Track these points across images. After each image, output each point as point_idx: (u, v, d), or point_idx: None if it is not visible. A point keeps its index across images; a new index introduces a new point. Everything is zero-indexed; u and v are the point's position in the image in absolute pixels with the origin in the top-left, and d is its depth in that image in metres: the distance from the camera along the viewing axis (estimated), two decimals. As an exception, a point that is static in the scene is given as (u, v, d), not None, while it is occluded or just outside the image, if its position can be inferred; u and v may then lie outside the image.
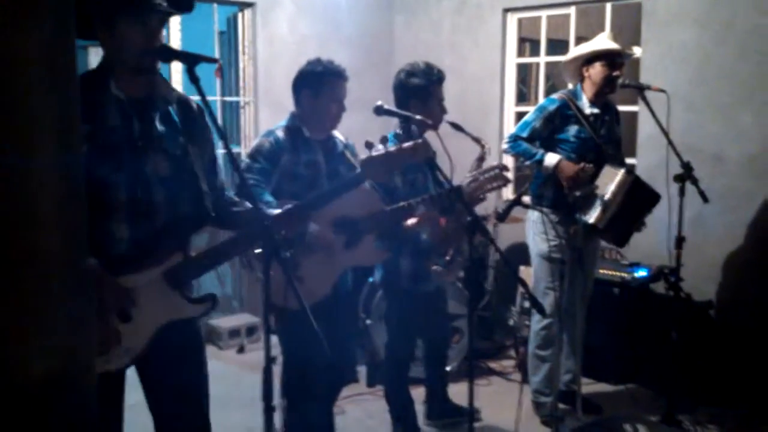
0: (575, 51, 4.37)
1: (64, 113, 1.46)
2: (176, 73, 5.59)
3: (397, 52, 6.74)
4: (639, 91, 4.18)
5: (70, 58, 1.48)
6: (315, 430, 3.53)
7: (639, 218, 4.20)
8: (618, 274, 4.93)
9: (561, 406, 4.27)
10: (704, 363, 4.53)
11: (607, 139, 4.30)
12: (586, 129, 4.21)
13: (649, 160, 5.05)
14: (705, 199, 4.07)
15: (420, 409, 4.24)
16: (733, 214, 4.81)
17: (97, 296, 2.29)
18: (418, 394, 4.27)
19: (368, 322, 4.83)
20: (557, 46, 6.16)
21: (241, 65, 6.11)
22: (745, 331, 4.63)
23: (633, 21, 5.51)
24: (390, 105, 3.51)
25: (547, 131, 4.25)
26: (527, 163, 4.34)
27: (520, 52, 6.38)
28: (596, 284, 4.59)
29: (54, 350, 1.45)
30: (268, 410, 2.31)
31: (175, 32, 5.64)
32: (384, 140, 2.84)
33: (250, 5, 5.96)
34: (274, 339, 2.83)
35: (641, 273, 4.92)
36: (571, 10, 5.73)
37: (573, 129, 4.23)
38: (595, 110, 4.26)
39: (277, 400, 2.39)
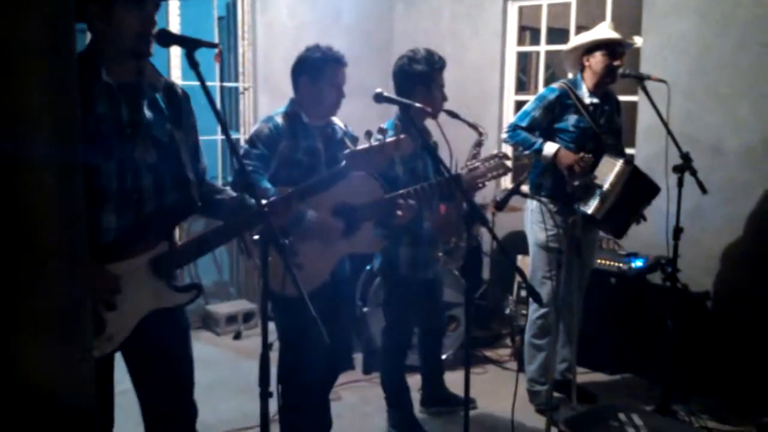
0: (576, 40, 4.36)
1: (63, 102, 1.46)
2: (175, 58, 5.58)
3: (397, 39, 6.72)
4: (639, 81, 4.17)
5: (70, 44, 1.48)
6: (311, 416, 3.53)
7: (638, 210, 4.20)
8: (615, 264, 4.93)
9: (556, 394, 4.28)
10: (700, 354, 4.54)
11: (607, 129, 4.29)
12: (585, 118, 4.21)
13: (648, 150, 5.05)
14: (703, 190, 4.06)
15: (416, 396, 4.25)
16: (732, 206, 4.81)
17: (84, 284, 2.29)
18: (414, 381, 4.29)
19: (365, 309, 4.84)
20: (558, 35, 6.14)
21: (240, 51, 6.09)
22: (741, 323, 4.63)
23: (634, 10, 5.49)
24: (389, 92, 3.50)
25: (547, 120, 4.24)
26: (526, 152, 4.33)
27: (521, 41, 6.37)
28: (593, 274, 4.59)
29: (51, 341, 1.45)
30: (265, 396, 2.32)
31: (174, 17, 5.62)
32: (382, 131, 2.84)
33: (249, -10, 5.93)
34: (271, 325, 2.83)
35: (638, 263, 4.92)
36: (572, -1, 5.71)
37: (572, 118, 4.22)
38: (595, 100, 4.25)
39: (273, 386, 2.40)
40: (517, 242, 5.13)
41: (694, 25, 4.96)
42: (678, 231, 4.10)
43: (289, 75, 3.47)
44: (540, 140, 4.19)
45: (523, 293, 5.34)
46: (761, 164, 4.73)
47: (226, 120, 6.14)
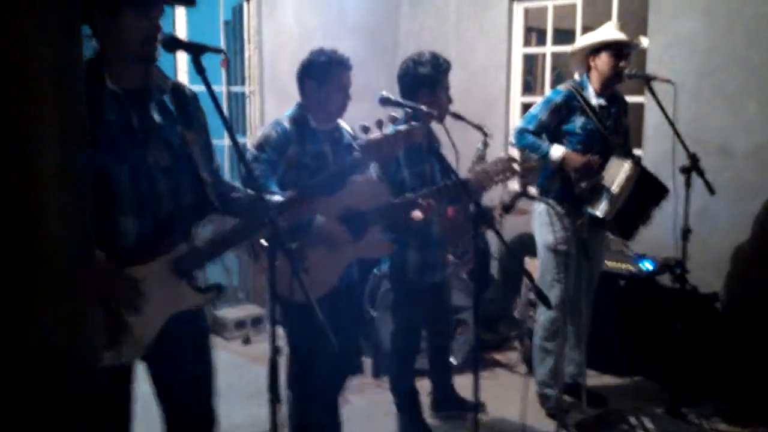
0: (582, 41, 4.34)
1: (71, 109, 1.46)
2: (182, 63, 5.58)
3: (402, 42, 6.72)
4: (645, 81, 4.16)
5: (76, 59, 1.47)
6: (320, 421, 3.53)
7: (647, 211, 4.19)
8: (624, 266, 4.91)
9: (566, 398, 4.28)
10: (710, 356, 4.52)
11: (614, 131, 4.28)
12: (592, 120, 4.19)
13: (655, 151, 5.03)
14: (711, 190, 4.05)
15: (425, 401, 4.24)
16: (740, 206, 4.79)
17: (107, 290, 2.30)
18: (423, 385, 4.27)
19: (374, 313, 4.83)
20: (564, 35, 6.12)
21: (246, 55, 6.09)
22: (751, 324, 4.61)
23: (640, 11, 5.47)
24: (395, 95, 3.50)
25: (554, 123, 4.23)
26: (534, 155, 4.32)
27: (527, 42, 6.35)
28: (602, 276, 4.58)
29: (59, 344, 1.45)
30: (274, 401, 2.31)
31: (180, 22, 5.63)
32: (380, 123, 2.83)
33: (255, -5, 5.94)
34: (280, 330, 2.83)
35: (647, 265, 4.90)
36: (578, 0, 5.69)
37: (579, 120, 4.21)
38: (602, 101, 4.24)
39: (282, 391, 2.39)
40: (525, 245, 5.11)
41: (700, 25, 4.95)
42: (686, 232, 4.09)
43: (295, 78, 3.47)
44: (546, 144, 4.18)
45: (532, 296, 5.32)
46: (769, 164, 4.71)
47: (233, 124, 6.15)
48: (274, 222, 2.22)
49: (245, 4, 6.04)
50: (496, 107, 6.16)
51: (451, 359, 4.61)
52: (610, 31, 4.20)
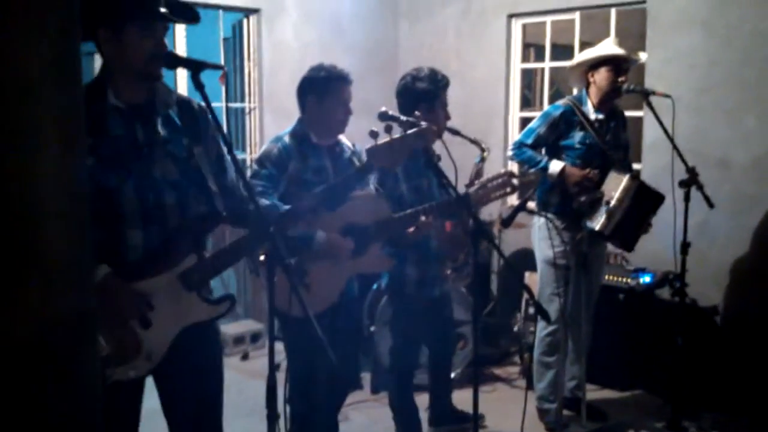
0: (580, 56, 4.36)
1: (69, 116, 1.46)
2: (181, 79, 5.61)
3: (401, 57, 6.74)
4: (644, 96, 4.17)
5: (75, 62, 1.48)
6: (319, 437, 3.52)
7: (645, 221, 4.19)
8: (623, 279, 4.91)
9: (566, 412, 4.27)
10: (710, 369, 4.51)
11: (613, 145, 4.28)
12: (591, 135, 4.20)
13: (654, 165, 5.04)
14: (710, 204, 4.05)
15: (424, 416, 4.23)
16: (739, 219, 4.79)
17: (115, 305, 2.30)
18: (422, 400, 4.26)
19: (372, 328, 4.82)
20: (562, 51, 6.15)
21: (246, 71, 6.12)
22: (751, 337, 4.60)
23: (638, 26, 5.50)
24: (394, 110, 3.51)
25: (552, 137, 4.24)
26: (532, 170, 4.33)
27: (525, 58, 6.38)
28: (601, 290, 4.57)
29: (57, 354, 1.45)
30: (272, 418, 2.31)
31: (180, 38, 5.65)
32: (388, 129, 2.84)
33: (255, 12, 5.97)
34: (279, 346, 2.82)
35: (646, 278, 4.90)
36: (576, 16, 5.73)
37: (578, 135, 4.22)
38: (600, 116, 4.25)
39: (281, 407, 2.39)
40: (524, 259, 5.12)
41: (698, 40, 4.97)
42: (686, 246, 4.09)
43: (294, 95, 3.48)
44: (545, 158, 4.20)
45: (531, 310, 5.32)
46: (768, 177, 4.72)
47: (232, 140, 6.16)
48: (273, 237, 2.23)
49: (245, 21, 6.07)
50: (495, 122, 6.18)
51: (451, 374, 4.59)
52: (609, 47, 4.21)
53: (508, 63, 6.17)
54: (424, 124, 3.19)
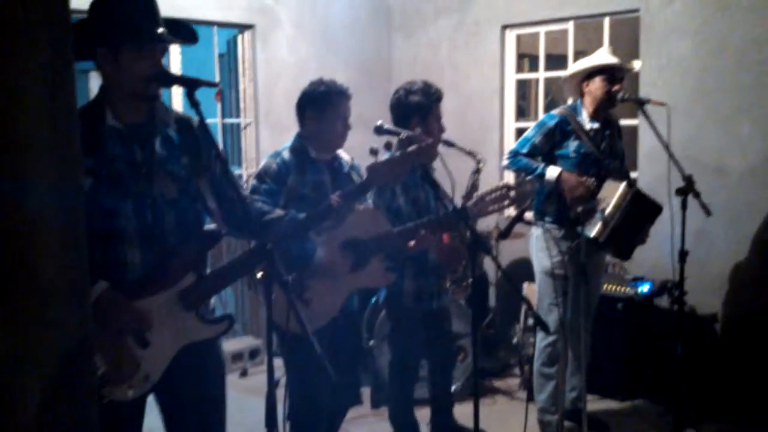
0: (575, 66, 4.36)
1: (64, 140, 1.46)
2: (177, 96, 5.61)
3: (396, 70, 6.76)
4: (639, 104, 4.17)
5: (69, 87, 1.48)
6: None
7: (641, 230, 4.18)
8: (622, 288, 4.90)
9: (567, 424, 4.24)
10: (710, 377, 4.50)
11: (609, 154, 4.29)
12: (586, 144, 4.20)
13: (650, 173, 5.04)
14: (708, 212, 4.05)
15: (425, 430, 4.20)
16: (736, 226, 4.79)
17: (113, 321, 2.29)
18: (422, 414, 4.24)
19: (371, 342, 4.80)
20: (556, 61, 6.16)
21: (241, 87, 6.12)
22: (751, 344, 4.59)
23: (631, 35, 5.51)
24: (389, 124, 3.51)
25: (547, 147, 4.24)
26: (528, 178, 4.32)
27: (519, 68, 6.39)
28: (600, 300, 4.57)
29: (52, 375, 1.44)
30: (271, 435, 2.29)
31: (175, 55, 5.65)
32: (388, 146, 2.85)
33: (249, 28, 5.98)
34: (278, 362, 2.81)
35: (645, 287, 4.89)
36: (569, 25, 5.74)
37: (573, 144, 4.22)
38: (595, 125, 4.25)
39: (280, 423, 2.37)
40: (522, 269, 5.11)
41: (692, 47, 4.98)
42: (684, 254, 4.07)
43: (290, 109, 3.48)
44: (542, 165, 4.19)
45: (531, 321, 5.30)
46: (765, 183, 4.71)
47: (228, 156, 6.17)
48: (270, 254, 2.22)
49: (239, 38, 6.08)
50: (490, 133, 6.18)
51: (451, 387, 4.57)
52: (602, 56, 4.22)
53: (503, 74, 6.18)
54: (423, 138, 3.20)
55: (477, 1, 6.21)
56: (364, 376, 4.96)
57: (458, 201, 3.65)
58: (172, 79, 2.47)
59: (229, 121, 6.24)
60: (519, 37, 6.21)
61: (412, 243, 3.40)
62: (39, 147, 1.42)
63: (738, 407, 4.40)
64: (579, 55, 5.06)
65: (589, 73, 4.21)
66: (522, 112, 6.97)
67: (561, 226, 4.21)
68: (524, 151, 4.24)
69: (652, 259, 4.59)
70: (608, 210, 4.03)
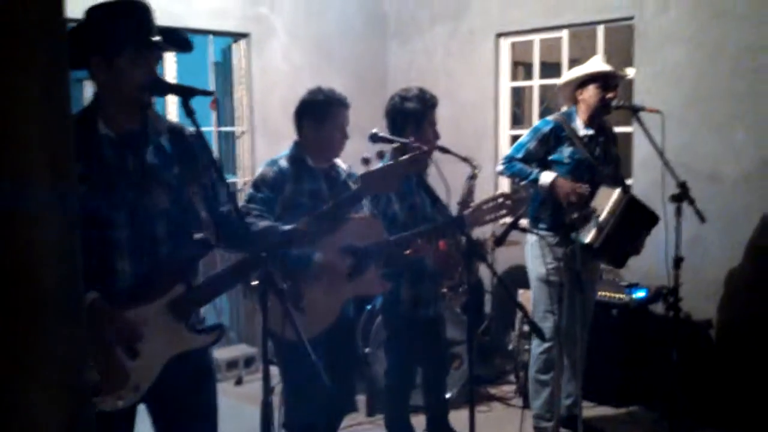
0: (569, 74, 4.38)
1: (59, 146, 1.46)
2: (171, 105, 5.61)
3: (391, 78, 6.77)
4: (633, 112, 4.19)
5: (64, 94, 1.48)
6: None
7: (637, 239, 4.19)
8: (616, 295, 4.91)
9: (562, 430, 4.24)
10: (705, 383, 4.50)
11: (603, 160, 4.30)
12: (580, 150, 4.22)
13: (644, 180, 5.05)
14: (702, 218, 4.06)
15: (421, 437, 4.20)
16: (731, 233, 4.80)
17: (103, 331, 2.28)
18: (418, 421, 4.23)
19: (367, 350, 4.80)
20: (550, 68, 6.18)
21: (236, 95, 6.12)
22: (746, 350, 4.60)
23: (625, 42, 5.53)
24: (384, 131, 3.52)
25: (542, 152, 4.26)
26: (523, 183, 4.33)
27: (514, 76, 6.41)
28: (595, 306, 4.57)
29: (50, 389, 1.44)
30: (267, 443, 2.29)
31: (170, 63, 5.66)
32: (380, 155, 2.85)
33: (244, 36, 5.98)
34: (273, 370, 2.81)
35: (640, 294, 4.90)
36: (563, 34, 5.76)
37: (567, 150, 4.24)
38: (590, 132, 4.27)
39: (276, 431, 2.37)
40: (517, 276, 5.11)
41: (686, 55, 5.00)
42: (678, 260, 4.09)
43: (285, 118, 3.49)
44: (536, 170, 4.20)
45: (526, 328, 5.30)
46: (759, 190, 4.73)
47: (223, 164, 6.18)
48: (265, 262, 2.22)
49: (234, 46, 6.09)
50: (485, 140, 6.19)
51: (446, 394, 4.57)
52: (596, 64, 4.24)
53: (497, 82, 6.20)
54: (418, 146, 3.20)
55: (472, 9, 6.23)
56: (359, 384, 4.95)
57: (453, 207, 3.66)
58: (167, 88, 2.48)
59: (224, 129, 6.24)
60: (513, 45, 6.22)
61: (409, 251, 3.40)
62: (34, 151, 1.42)
63: (733, 413, 4.40)
64: (573, 62, 5.07)
65: (583, 81, 4.23)
66: (517, 120, 6.99)
67: (556, 233, 4.22)
68: (519, 156, 4.26)
69: (646, 265, 4.60)
70: (603, 216, 4.04)
